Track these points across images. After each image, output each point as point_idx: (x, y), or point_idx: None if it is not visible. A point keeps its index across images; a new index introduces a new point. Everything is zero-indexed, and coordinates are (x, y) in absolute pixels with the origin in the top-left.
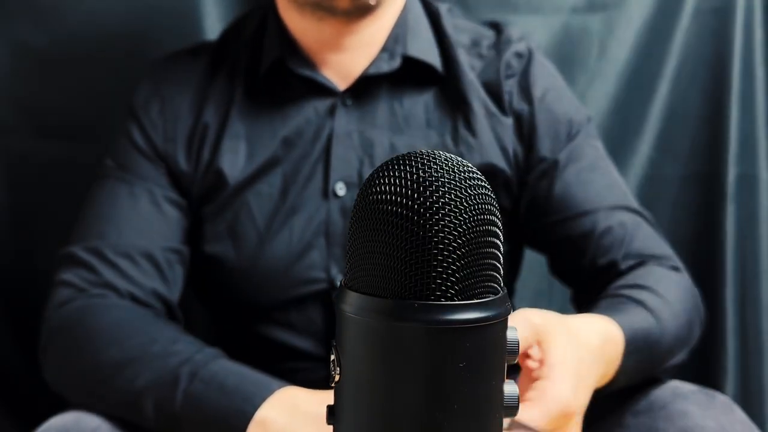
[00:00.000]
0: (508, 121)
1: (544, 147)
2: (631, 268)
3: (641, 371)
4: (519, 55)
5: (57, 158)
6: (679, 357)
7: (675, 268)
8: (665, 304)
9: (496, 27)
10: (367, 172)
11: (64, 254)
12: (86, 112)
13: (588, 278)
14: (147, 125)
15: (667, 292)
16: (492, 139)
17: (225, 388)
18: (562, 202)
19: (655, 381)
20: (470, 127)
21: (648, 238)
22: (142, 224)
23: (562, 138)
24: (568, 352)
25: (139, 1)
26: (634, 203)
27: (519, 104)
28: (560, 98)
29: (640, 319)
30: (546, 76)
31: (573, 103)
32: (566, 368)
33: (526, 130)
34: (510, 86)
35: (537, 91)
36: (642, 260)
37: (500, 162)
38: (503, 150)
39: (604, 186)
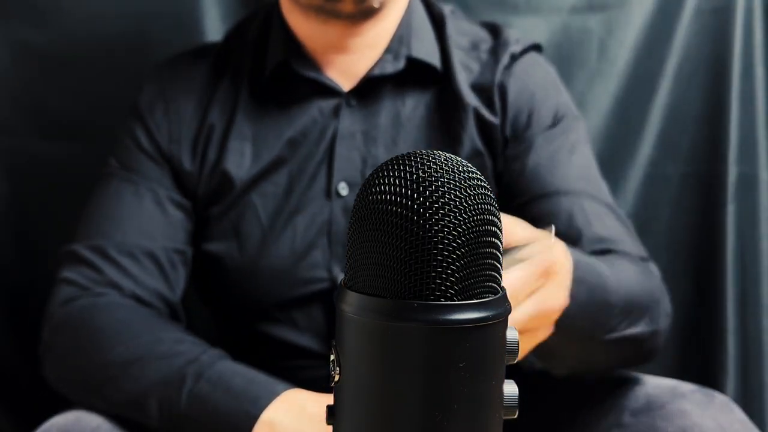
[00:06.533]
0: (497, 120)
1: (524, 132)
2: (594, 253)
3: (593, 316)
4: (513, 56)
5: (57, 158)
6: (638, 328)
7: (643, 259)
8: (618, 273)
9: (494, 29)
10: (369, 173)
11: (67, 252)
12: (86, 112)
13: None
14: (152, 127)
15: (623, 271)
16: (479, 141)
17: (231, 389)
18: (529, 183)
19: (654, 380)
20: (462, 126)
21: (613, 228)
22: (146, 224)
23: (543, 124)
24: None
25: (139, 0)
26: (609, 198)
27: (512, 97)
28: (554, 90)
29: (588, 258)
30: (538, 72)
31: (564, 100)
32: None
33: (510, 118)
34: (502, 80)
35: (527, 82)
36: (607, 249)
37: (488, 160)
38: (491, 151)
39: (576, 172)
